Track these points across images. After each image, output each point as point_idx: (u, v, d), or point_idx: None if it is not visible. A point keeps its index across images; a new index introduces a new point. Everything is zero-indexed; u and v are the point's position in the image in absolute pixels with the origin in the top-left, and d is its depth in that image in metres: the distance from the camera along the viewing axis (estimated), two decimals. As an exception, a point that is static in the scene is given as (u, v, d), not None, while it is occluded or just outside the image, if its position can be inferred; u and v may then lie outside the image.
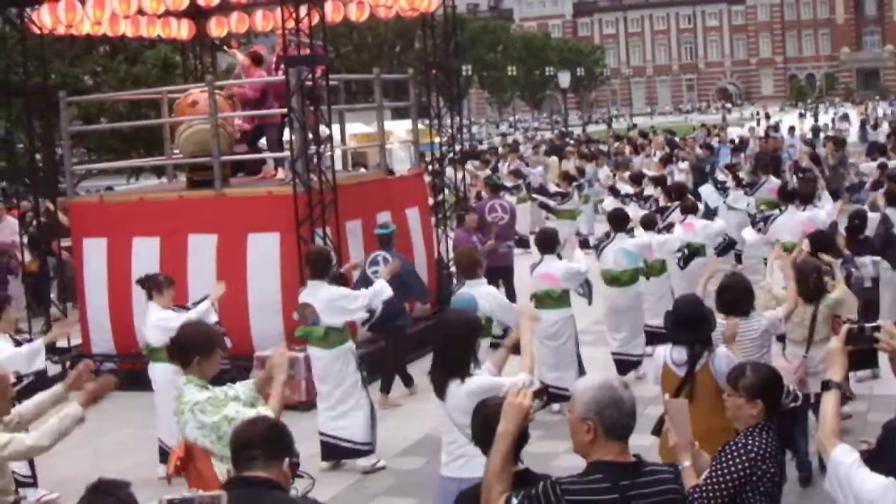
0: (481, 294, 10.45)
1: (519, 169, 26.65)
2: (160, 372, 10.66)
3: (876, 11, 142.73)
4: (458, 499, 5.07)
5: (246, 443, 4.92)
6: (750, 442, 5.41)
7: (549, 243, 12.51)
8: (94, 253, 14.97)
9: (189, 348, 6.57)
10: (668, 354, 7.70)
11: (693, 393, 7.26)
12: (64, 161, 16.59)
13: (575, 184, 23.04)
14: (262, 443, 4.89)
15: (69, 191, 16.36)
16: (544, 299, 12.16)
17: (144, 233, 14.55)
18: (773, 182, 19.59)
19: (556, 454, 10.05)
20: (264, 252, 13.77)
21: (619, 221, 13.73)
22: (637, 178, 21.21)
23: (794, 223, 14.61)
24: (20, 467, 10.54)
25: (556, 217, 21.85)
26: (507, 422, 4.48)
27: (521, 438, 4.64)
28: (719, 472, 5.32)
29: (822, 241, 11.47)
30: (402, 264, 12.45)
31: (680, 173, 26.45)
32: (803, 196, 15.48)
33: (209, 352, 6.58)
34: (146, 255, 14.40)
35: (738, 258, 19.29)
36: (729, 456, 5.37)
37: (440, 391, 6.67)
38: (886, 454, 5.20)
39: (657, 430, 7.32)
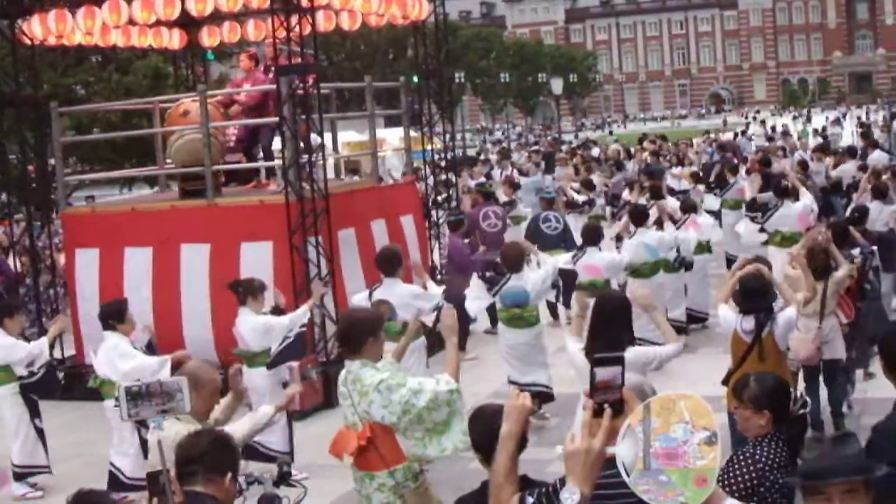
0: (528, 285, 11.61)
1: (512, 179, 26.62)
2: (259, 376, 10.74)
3: (868, 15, 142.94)
4: None
5: (187, 459, 4.92)
6: (758, 452, 5.33)
7: (592, 236, 13.69)
8: (87, 263, 14.94)
9: (361, 331, 6.81)
10: (738, 323, 8.95)
11: (762, 354, 8.66)
12: (56, 172, 16.57)
13: (518, 192, 23.35)
14: (201, 458, 4.88)
15: (61, 202, 16.35)
16: (589, 289, 12.66)
17: (137, 243, 14.55)
18: (741, 184, 21.05)
19: (549, 460, 10.01)
20: (257, 261, 13.73)
21: (639, 217, 14.95)
22: (588, 184, 22.28)
23: (791, 216, 16.30)
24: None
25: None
26: (510, 423, 4.47)
27: (520, 443, 4.65)
28: (726, 483, 5.18)
29: (840, 230, 12.48)
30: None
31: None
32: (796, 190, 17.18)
33: (378, 333, 6.88)
34: (139, 265, 14.41)
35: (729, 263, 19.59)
36: (736, 466, 5.28)
37: None
38: (874, 457, 5.18)
39: (726, 380, 8.66)
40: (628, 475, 3.38)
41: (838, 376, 11.01)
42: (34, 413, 11.06)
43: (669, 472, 3.32)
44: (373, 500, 6.79)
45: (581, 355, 7.70)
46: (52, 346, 11.44)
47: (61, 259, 17.31)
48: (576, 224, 19.33)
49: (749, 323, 8.84)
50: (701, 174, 23.67)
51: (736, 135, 42.56)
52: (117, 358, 9.99)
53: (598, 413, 3.55)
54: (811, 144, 37.41)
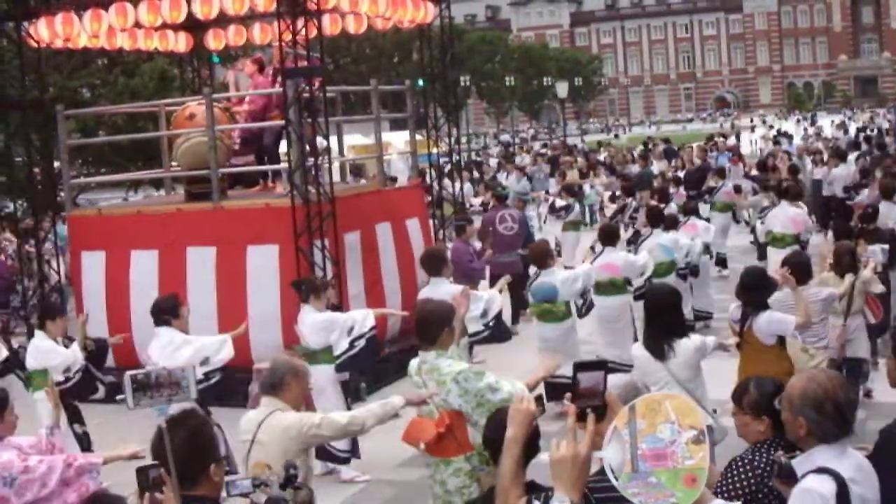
0: (557, 281, 12.10)
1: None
2: (321, 373, 10.66)
3: (873, 19, 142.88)
4: None
5: (180, 460, 4.64)
6: (756, 458, 5.29)
7: (610, 237, 13.87)
8: (93, 266, 14.97)
9: (436, 322, 6.98)
10: (731, 312, 9.49)
11: (742, 344, 9.11)
12: (62, 174, 16.59)
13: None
14: (180, 459, 4.61)
15: (67, 204, 16.37)
16: (606, 287, 13.29)
17: (143, 246, 14.57)
18: (729, 186, 21.80)
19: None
20: (263, 264, 13.76)
21: (654, 218, 15.46)
22: (570, 190, 22.60)
23: (784, 216, 16.68)
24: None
25: None
26: (515, 427, 4.46)
27: (531, 450, 4.63)
28: (724, 488, 5.18)
29: (843, 232, 13.17)
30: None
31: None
32: (793, 194, 17.56)
33: (451, 324, 7.06)
34: (145, 268, 14.42)
35: (724, 263, 20.31)
36: (735, 472, 5.25)
37: (660, 353, 7.99)
38: (883, 460, 5.17)
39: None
40: (617, 479, 3.36)
41: (860, 375, 11.13)
42: (74, 418, 10.94)
43: (658, 473, 3.31)
44: (448, 484, 6.94)
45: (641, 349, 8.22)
46: (86, 349, 11.26)
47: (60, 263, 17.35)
48: (552, 228, 19.54)
49: (736, 313, 9.33)
50: (684, 178, 23.84)
51: (777, 141, 42.59)
52: (174, 352, 9.88)
53: (581, 418, 3.56)
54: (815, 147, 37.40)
